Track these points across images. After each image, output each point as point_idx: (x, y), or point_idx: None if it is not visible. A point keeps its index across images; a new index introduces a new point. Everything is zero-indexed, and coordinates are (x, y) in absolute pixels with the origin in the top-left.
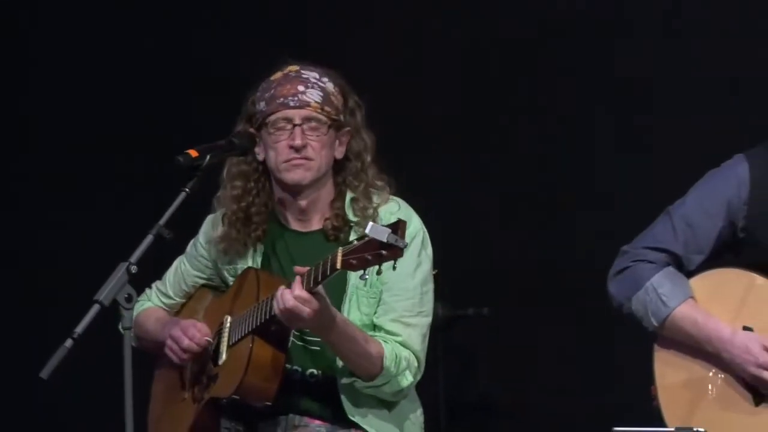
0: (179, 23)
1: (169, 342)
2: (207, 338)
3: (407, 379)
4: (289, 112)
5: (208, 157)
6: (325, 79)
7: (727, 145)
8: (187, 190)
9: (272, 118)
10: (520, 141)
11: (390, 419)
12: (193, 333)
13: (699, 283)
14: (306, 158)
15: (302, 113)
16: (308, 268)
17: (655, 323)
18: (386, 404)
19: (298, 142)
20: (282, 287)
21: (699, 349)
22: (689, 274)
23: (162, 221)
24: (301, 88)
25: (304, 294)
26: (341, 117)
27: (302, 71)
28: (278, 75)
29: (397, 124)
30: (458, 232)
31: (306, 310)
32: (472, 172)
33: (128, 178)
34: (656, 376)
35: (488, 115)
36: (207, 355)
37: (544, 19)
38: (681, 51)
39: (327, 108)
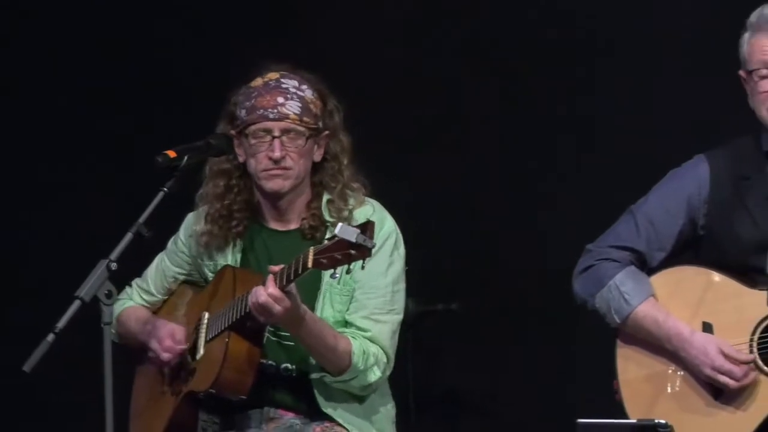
0: (175, 24)
1: (150, 354)
2: (182, 347)
3: (375, 374)
4: (269, 124)
5: (186, 157)
6: (304, 87)
7: (682, 146)
8: (165, 189)
9: (252, 128)
10: (488, 142)
11: (361, 412)
12: (170, 345)
13: (660, 280)
14: (285, 168)
15: (281, 125)
16: (282, 266)
17: (617, 320)
18: (357, 398)
19: (277, 154)
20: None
21: (659, 346)
22: (651, 271)
23: (141, 219)
24: (280, 99)
25: (277, 292)
26: (320, 124)
27: (282, 80)
28: (259, 82)
29: (371, 124)
30: (428, 228)
31: (277, 307)
32: (442, 171)
33: (107, 177)
34: (618, 370)
35: (464, 115)
36: (185, 350)
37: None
38: (642, 52)
39: (306, 118)
